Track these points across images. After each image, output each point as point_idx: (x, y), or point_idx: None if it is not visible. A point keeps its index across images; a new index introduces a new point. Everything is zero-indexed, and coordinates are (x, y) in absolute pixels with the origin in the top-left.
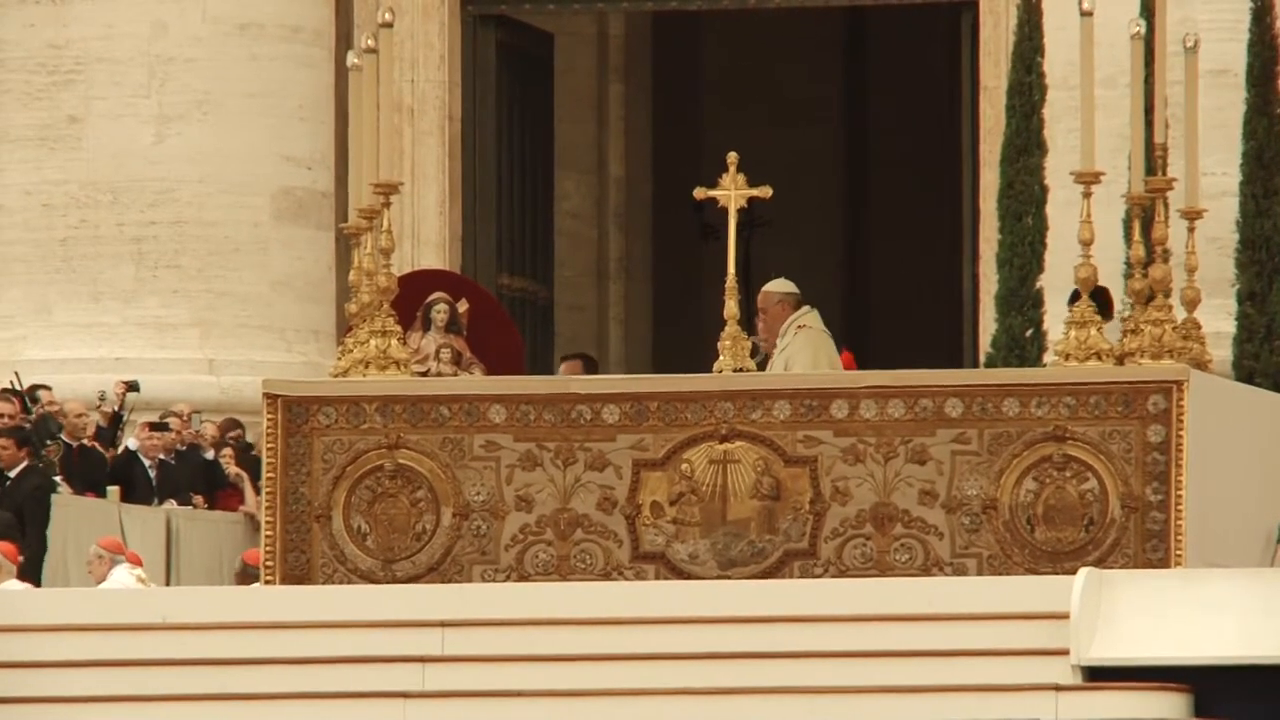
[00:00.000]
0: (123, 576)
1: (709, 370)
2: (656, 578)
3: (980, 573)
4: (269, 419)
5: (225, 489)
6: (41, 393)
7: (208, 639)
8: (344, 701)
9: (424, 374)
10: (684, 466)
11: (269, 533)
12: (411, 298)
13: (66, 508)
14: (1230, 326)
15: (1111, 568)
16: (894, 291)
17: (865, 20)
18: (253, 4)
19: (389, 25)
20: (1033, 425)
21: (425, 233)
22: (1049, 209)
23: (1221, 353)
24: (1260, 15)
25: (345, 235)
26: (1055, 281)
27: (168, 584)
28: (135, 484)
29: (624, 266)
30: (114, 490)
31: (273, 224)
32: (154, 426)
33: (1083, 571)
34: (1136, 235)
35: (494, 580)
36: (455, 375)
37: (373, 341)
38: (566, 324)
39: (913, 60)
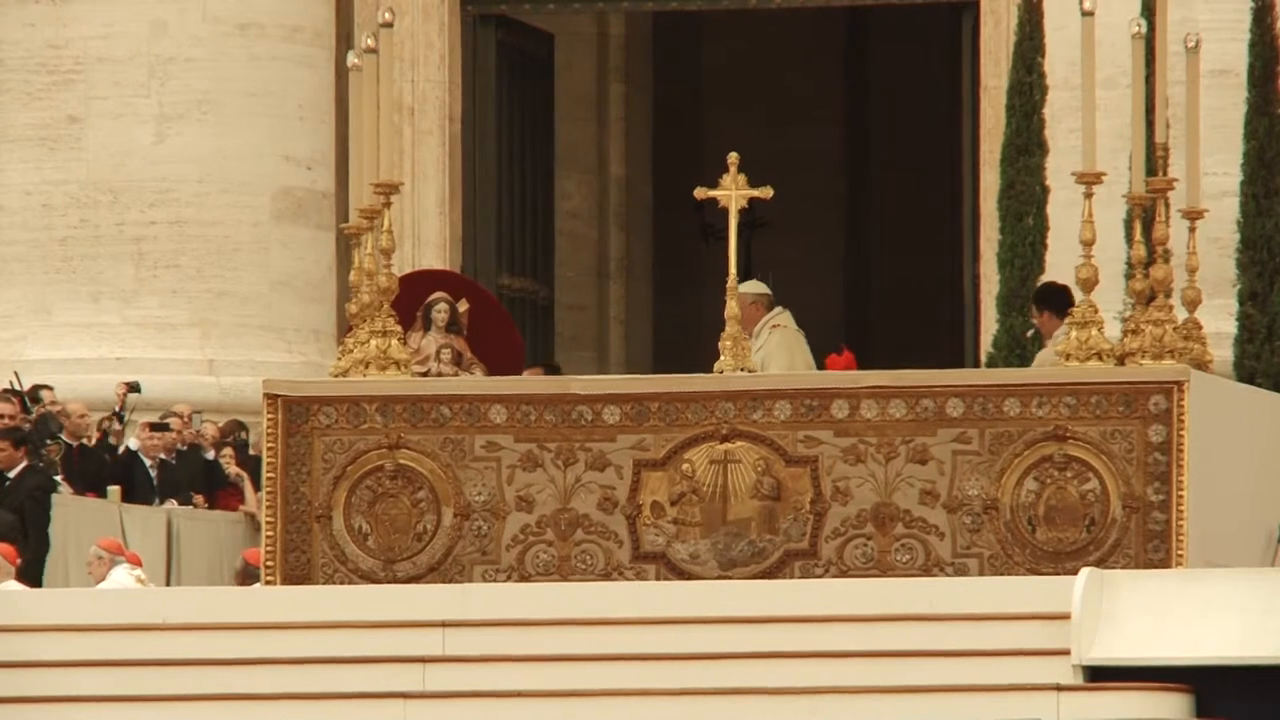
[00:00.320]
0: (122, 577)
1: (709, 370)
2: (657, 578)
3: (981, 573)
4: (269, 419)
5: (226, 489)
6: (44, 393)
7: (208, 639)
8: (344, 702)
9: (424, 374)
10: (685, 466)
11: (269, 533)
12: (412, 298)
13: (67, 508)
14: (1231, 327)
15: (1113, 568)
16: (894, 291)
17: (865, 20)
18: (253, 4)
19: (389, 25)
20: (1034, 425)
21: (425, 233)
22: (1050, 209)
23: (1222, 353)
24: (1261, 15)
25: (345, 235)
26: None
27: (168, 584)
28: (136, 484)
29: (624, 266)
30: (114, 490)
31: (273, 224)
32: (154, 426)
33: (1084, 571)
34: (1137, 235)
35: (495, 580)
36: (456, 375)
37: (373, 341)
38: (566, 324)
39: (913, 60)
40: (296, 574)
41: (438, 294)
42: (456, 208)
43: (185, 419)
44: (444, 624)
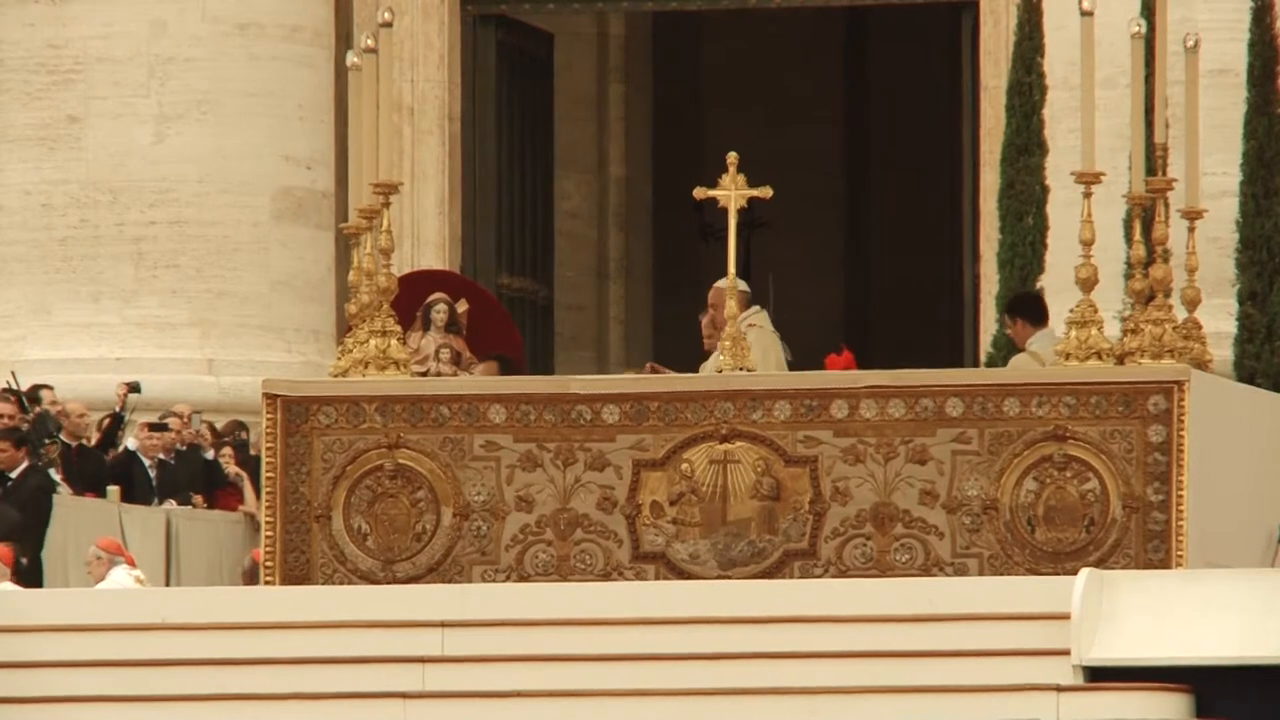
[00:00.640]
0: (121, 577)
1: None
2: (656, 578)
3: (981, 573)
4: (269, 419)
5: (225, 489)
6: (43, 393)
7: (208, 639)
8: (344, 702)
9: (423, 374)
10: (684, 466)
11: (269, 533)
12: (411, 298)
13: (66, 508)
14: (1231, 326)
15: (1112, 568)
16: (894, 291)
17: (865, 20)
18: (252, 4)
19: (389, 25)
20: (1033, 425)
21: (425, 233)
22: (1049, 209)
23: (1222, 353)
24: (1260, 15)
25: (345, 235)
26: (1056, 281)
27: (168, 584)
28: (135, 484)
29: (624, 266)
30: (114, 490)
31: (273, 224)
32: (154, 427)
33: (1084, 572)
34: (1137, 235)
35: (494, 580)
36: (455, 375)
37: (372, 341)
38: (566, 324)
39: (913, 60)
40: (296, 574)
41: (437, 294)
42: (456, 208)
43: (185, 419)
44: (443, 624)
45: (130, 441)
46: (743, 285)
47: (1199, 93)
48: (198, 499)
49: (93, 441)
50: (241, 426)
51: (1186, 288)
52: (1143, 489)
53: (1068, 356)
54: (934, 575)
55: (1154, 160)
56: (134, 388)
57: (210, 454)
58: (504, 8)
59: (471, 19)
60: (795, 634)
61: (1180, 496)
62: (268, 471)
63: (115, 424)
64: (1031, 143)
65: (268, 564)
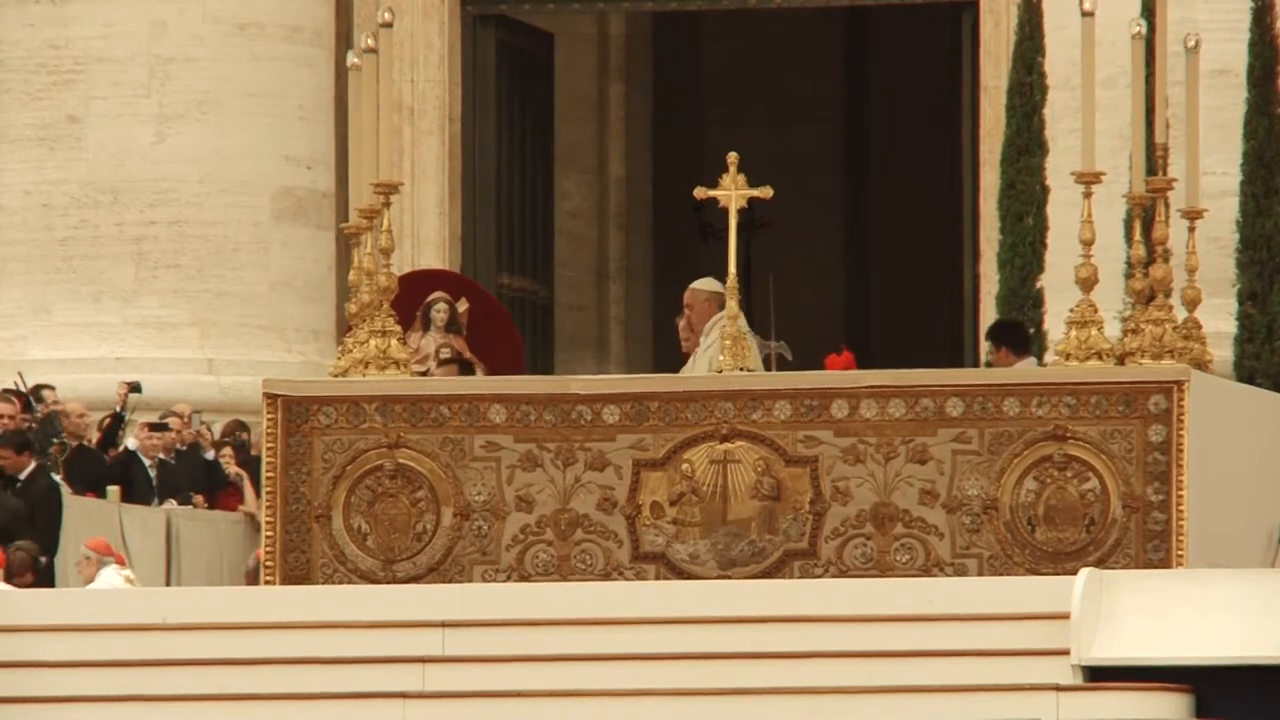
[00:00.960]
0: (111, 577)
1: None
2: (657, 578)
3: (981, 573)
4: (269, 419)
5: (225, 489)
6: (46, 393)
7: (208, 639)
8: (344, 702)
9: (424, 374)
10: (684, 466)
11: (269, 533)
12: (411, 298)
13: (67, 508)
14: (1231, 326)
15: (1112, 568)
16: (894, 291)
17: (865, 20)
18: (253, 4)
19: (389, 25)
20: (1033, 425)
21: (425, 233)
22: (1049, 209)
23: (1222, 353)
24: (1261, 15)
25: (345, 235)
26: (1056, 281)
27: (168, 584)
28: (135, 484)
29: (624, 266)
30: (114, 490)
31: (273, 224)
32: (154, 427)
33: (1084, 572)
34: (1137, 235)
35: (494, 580)
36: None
37: (373, 341)
38: (566, 324)
39: (913, 60)
40: (296, 574)
41: (437, 294)
42: (456, 208)
43: (185, 419)
44: (443, 624)
45: (130, 441)
46: (718, 285)
47: (1199, 93)
48: (198, 499)
49: (93, 441)
50: (242, 426)
51: (1187, 288)
52: (1143, 489)
53: (1068, 356)
54: (934, 575)
55: (1154, 160)
56: (134, 388)
57: (210, 454)
58: (504, 8)
59: (471, 19)
60: (795, 634)
61: (1180, 496)
62: (268, 471)
63: (115, 424)
64: (1032, 143)
65: (268, 564)
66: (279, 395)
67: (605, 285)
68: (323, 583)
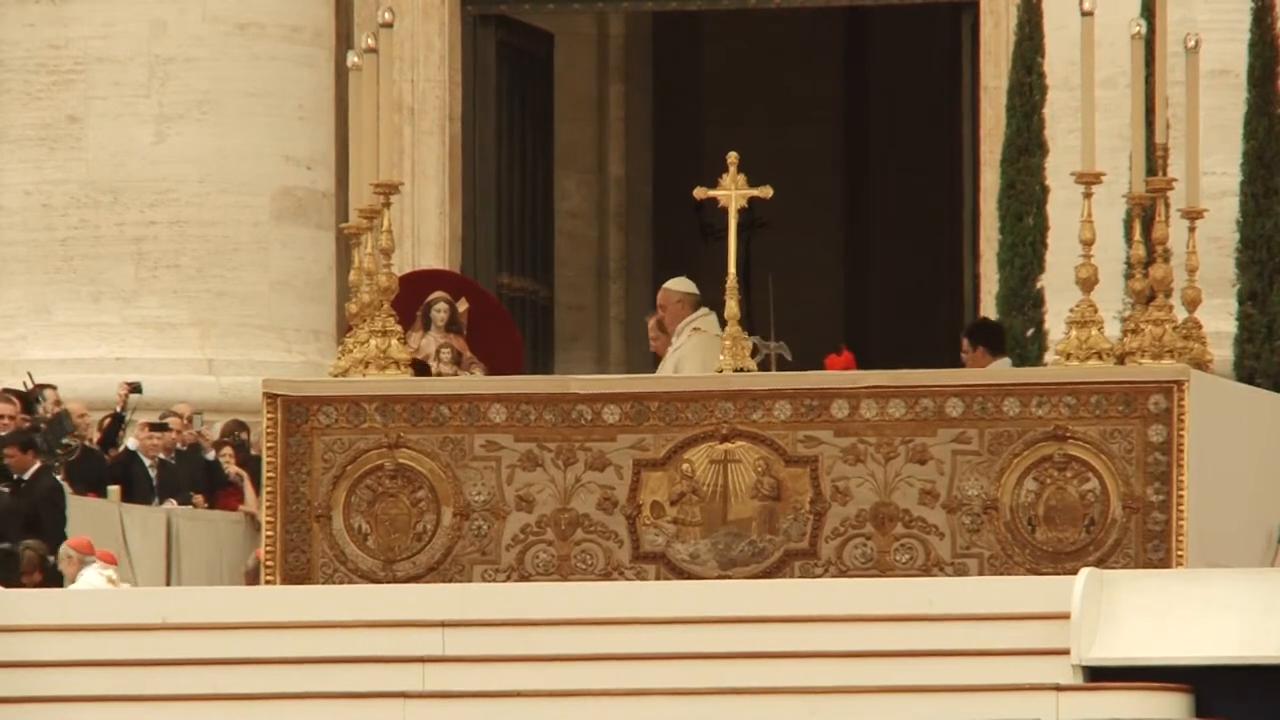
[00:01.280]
0: (93, 577)
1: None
2: (657, 578)
3: (981, 573)
4: (269, 419)
5: (225, 489)
6: (48, 393)
7: (208, 639)
8: (344, 701)
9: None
10: (684, 466)
11: (269, 533)
12: (411, 298)
13: (68, 507)
14: (1231, 326)
15: (1112, 568)
16: (894, 291)
17: (865, 20)
18: (253, 4)
19: (389, 25)
20: (1033, 425)
21: (425, 233)
22: (1049, 209)
23: (1222, 353)
24: (1261, 15)
25: (345, 235)
26: (1056, 281)
27: (168, 584)
28: (135, 484)
29: (624, 266)
30: (114, 490)
31: (273, 224)
32: (154, 427)
33: (1084, 572)
34: (1137, 235)
35: (494, 580)
36: (455, 375)
37: (373, 341)
38: (566, 324)
39: (913, 60)
40: (296, 574)
41: (437, 294)
42: (456, 208)
43: (185, 419)
44: (443, 624)
45: (131, 441)
46: (691, 286)
47: (1199, 93)
48: (198, 499)
49: (93, 441)
50: (241, 426)
51: (1187, 288)
52: (1143, 489)
53: (1068, 356)
54: (934, 575)
55: (1154, 160)
56: (135, 388)
57: (211, 454)
58: (504, 8)
59: (471, 19)
60: (795, 634)
61: (1180, 496)
62: (268, 471)
63: (116, 424)
64: (1031, 143)
65: (268, 564)
66: (279, 395)
67: (605, 285)
68: (323, 582)
